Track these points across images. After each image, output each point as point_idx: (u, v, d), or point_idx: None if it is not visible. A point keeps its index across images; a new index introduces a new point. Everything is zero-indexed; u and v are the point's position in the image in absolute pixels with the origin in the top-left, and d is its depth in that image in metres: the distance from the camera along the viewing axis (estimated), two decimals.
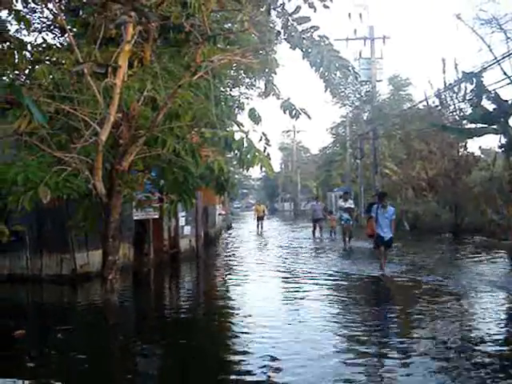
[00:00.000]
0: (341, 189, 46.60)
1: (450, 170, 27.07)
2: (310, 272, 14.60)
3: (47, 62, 8.21)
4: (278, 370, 6.45)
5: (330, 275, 13.98)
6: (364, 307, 10.52)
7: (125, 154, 7.40)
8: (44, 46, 9.60)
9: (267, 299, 11.03)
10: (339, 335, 8.08)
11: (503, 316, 9.38)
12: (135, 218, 12.19)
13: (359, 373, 6.29)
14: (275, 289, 12.67)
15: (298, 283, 12.91)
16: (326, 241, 25.66)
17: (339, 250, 20.71)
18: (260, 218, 35.29)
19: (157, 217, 12.69)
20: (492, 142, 56.38)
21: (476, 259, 16.55)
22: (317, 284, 12.66)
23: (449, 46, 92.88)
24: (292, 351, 7.16)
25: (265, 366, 6.56)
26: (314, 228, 27.68)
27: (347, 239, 21.83)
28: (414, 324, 8.78)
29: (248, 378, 6.25)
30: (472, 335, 7.94)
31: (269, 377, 6.20)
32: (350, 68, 9.77)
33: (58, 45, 10.47)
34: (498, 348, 7.25)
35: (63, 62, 8.13)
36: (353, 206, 23.56)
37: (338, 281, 13.32)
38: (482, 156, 30.02)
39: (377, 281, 13.13)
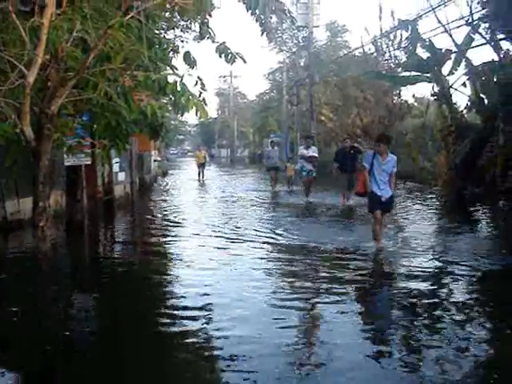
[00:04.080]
0: (277, 135, 46.80)
1: (383, 118, 27.50)
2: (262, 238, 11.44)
3: None
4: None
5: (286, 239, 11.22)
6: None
7: (53, 97, 7.14)
8: None
9: (206, 251, 10.32)
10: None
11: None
12: (66, 163, 11.84)
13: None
14: (215, 243, 11.07)
15: (244, 244, 10.85)
16: (282, 194, 22.42)
17: (300, 207, 17.74)
18: (201, 165, 33.15)
19: (89, 163, 12.39)
20: (425, 90, 57.53)
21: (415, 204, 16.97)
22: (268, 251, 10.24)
23: None
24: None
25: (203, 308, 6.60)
26: (272, 179, 23.92)
27: (308, 193, 19.02)
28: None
29: (184, 319, 6.29)
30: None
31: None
32: (287, 12, 9.66)
33: None
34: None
35: None
36: (317, 155, 19.48)
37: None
38: (416, 104, 30.54)
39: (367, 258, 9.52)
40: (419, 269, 8.48)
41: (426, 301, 6.93)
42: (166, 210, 17.37)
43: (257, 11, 8.56)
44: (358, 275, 8.22)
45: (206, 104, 7.46)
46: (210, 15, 8.76)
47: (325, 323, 6.22)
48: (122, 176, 18.48)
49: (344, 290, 7.40)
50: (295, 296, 7.20)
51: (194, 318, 6.27)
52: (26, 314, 6.89)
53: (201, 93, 7.43)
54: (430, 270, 8.57)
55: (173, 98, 7.25)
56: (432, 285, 7.74)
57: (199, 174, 32.84)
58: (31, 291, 7.92)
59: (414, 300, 6.93)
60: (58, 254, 10.34)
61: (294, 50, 41.91)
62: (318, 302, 6.97)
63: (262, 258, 9.57)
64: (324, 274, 8.40)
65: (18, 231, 12.58)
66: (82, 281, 8.75)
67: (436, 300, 6.96)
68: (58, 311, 7.18)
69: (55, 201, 13.23)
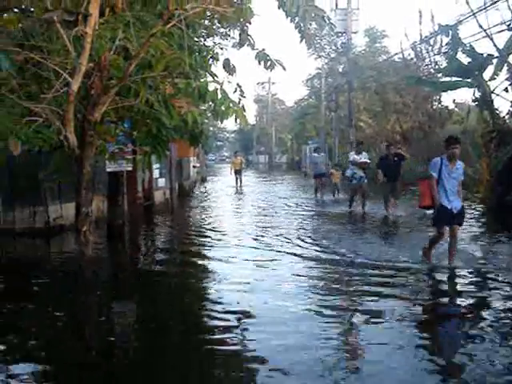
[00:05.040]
0: (315, 141, 46.63)
1: (423, 123, 27.26)
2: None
3: (15, 10, 7.97)
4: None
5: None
6: None
7: (96, 104, 7.29)
8: None
9: (244, 262, 10.06)
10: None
11: None
12: (108, 170, 12.04)
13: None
14: (256, 253, 10.83)
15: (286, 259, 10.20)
16: (327, 201, 21.42)
17: (348, 216, 17.18)
18: (238, 172, 32.06)
19: (130, 169, 12.57)
20: (466, 95, 56.92)
21: None
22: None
23: None
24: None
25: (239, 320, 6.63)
26: (317, 186, 23.07)
27: (362, 203, 17.89)
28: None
29: (221, 323, 6.33)
30: None
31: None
32: (326, 18, 9.62)
33: None
34: None
35: (32, 9, 7.90)
36: (369, 161, 18.47)
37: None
38: (456, 109, 30.14)
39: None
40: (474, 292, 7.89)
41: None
42: (205, 218, 17.36)
43: (296, 18, 8.57)
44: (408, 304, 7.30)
45: (245, 111, 7.50)
46: (250, 22, 8.81)
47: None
48: (161, 182, 18.72)
49: (389, 324, 6.38)
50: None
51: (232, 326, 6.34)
52: (69, 319, 7.03)
53: (240, 100, 7.48)
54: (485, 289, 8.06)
55: (212, 105, 7.32)
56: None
57: (236, 181, 31.91)
58: (74, 297, 8.07)
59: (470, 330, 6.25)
60: (101, 259, 10.45)
61: (332, 55, 41.71)
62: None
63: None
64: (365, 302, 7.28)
65: (60, 236, 12.85)
66: (123, 287, 8.86)
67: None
68: (100, 317, 7.29)
69: (97, 206, 13.43)
